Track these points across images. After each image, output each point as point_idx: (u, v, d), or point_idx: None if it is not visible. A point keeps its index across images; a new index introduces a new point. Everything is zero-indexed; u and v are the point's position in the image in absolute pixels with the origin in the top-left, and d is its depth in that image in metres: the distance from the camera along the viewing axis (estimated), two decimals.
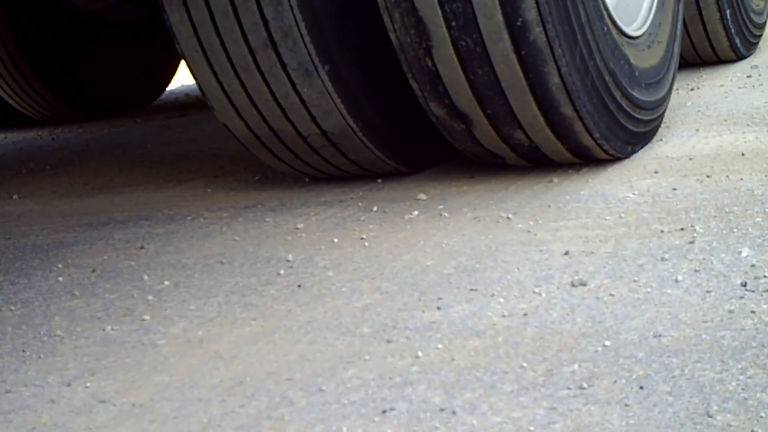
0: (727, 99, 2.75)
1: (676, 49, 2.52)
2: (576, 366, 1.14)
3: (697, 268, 1.41)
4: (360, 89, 2.08)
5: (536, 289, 1.41)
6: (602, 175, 2.02)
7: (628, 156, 2.15)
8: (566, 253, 1.56)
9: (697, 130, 2.37)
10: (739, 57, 3.53)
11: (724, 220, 1.61)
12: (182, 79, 5.24)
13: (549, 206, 1.80)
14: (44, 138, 4.12)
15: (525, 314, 1.32)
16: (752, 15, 3.59)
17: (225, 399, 1.17)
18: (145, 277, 1.72)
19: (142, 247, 1.94)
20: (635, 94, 2.15)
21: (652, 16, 2.37)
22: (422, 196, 2.05)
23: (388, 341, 1.29)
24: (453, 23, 1.88)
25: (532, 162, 2.11)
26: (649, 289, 1.36)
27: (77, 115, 4.42)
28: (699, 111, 2.63)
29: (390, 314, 1.39)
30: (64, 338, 1.45)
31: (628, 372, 1.11)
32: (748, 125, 2.33)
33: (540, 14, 1.85)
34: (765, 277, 1.34)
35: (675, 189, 1.84)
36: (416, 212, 1.93)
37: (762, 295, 1.28)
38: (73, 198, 2.63)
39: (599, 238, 1.62)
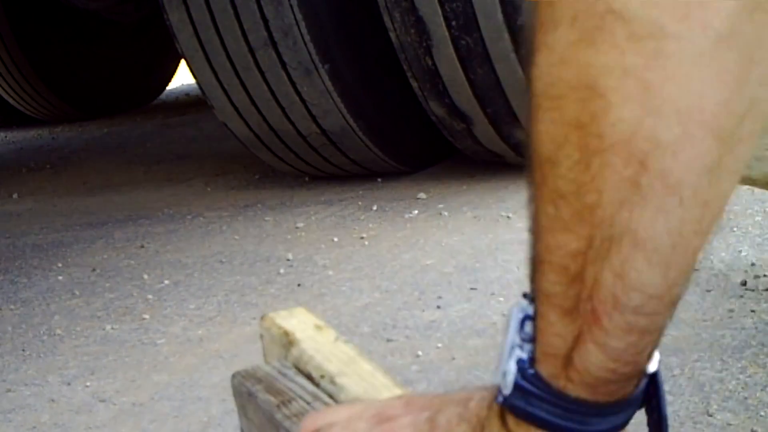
0: None
1: None
2: None
3: (697, 267, 1.41)
4: (360, 88, 2.08)
5: None
6: None
7: None
8: None
9: None
10: None
11: (723, 219, 1.61)
12: (182, 78, 5.24)
13: None
14: (44, 137, 4.12)
15: None
16: None
17: (225, 398, 1.17)
18: (145, 276, 1.72)
19: (142, 246, 1.94)
20: None
21: None
22: (422, 195, 2.04)
23: (388, 340, 1.29)
24: (453, 23, 1.88)
25: None
26: None
27: (77, 114, 4.42)
28: None
29: (390, 313, 1.39)
30: (63, 337, 1.45)
31: None
32: None
33: None
34: (765, 276, 1.34)
35: None
36: (416, 211, 1.93)
37: (762, 294, 1.28)
38: (72, 197, 2.62)
39: None
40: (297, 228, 1.93)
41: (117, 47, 4.57)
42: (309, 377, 0.75)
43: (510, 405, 0.50)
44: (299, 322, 0.81)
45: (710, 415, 0.98)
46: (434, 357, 1.22)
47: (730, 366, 1.08)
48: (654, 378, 0.50)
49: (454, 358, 1.20)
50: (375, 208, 2.00)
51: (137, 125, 4.10)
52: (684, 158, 0.41)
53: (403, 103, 2.15)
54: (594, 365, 0.47)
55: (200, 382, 1.22)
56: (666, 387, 1.08)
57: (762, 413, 0.97)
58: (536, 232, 0.47)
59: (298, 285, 1.57)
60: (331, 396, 0.71)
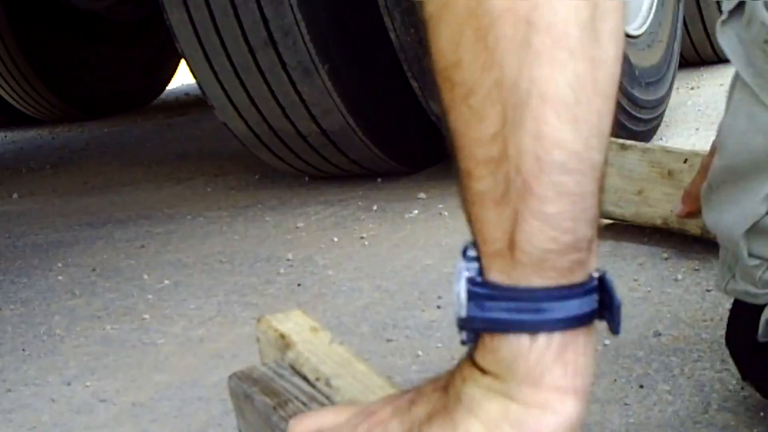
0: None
1: (677, 48, 2.52)
2: None
3: (697, 267, 1.41)
4: (360, 88, 2.08)
5: None
6: None
7: None
8: None
9: (697, 129, 2.37)
10: None
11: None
12: (182, 78, 5.24)
13: None
14: (44, 137, 4.12)
15: None
16: None
17: (225, 398, 1.17)
18: (145, 276, 1.72)
19: (142, 246, 1.94)
20: (635, 93, 2.15)
21: (652, 15, 2.37)
22: (422, 195, 2.05)
23: (388, 340, 1.29)
24: None
25: None
26: (649, 288, 1.36)
27: (77, 114, 4.41)
28: (699, 110, 2.63)
29: (390, 313, 1.39)
30: (64, 337, 1.45)
31: (627, 371, 1.11)
32: None
33: None
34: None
35: None
36: (416, 211, 1.93)
37: None
38: (73, 197, 2.63)
39: (599, 237, 1.62)
40: (297, 228, 1.93)
41: (117, 47, 4.57)
42: (305, 379, 0.75)
43: (468, 321, 0.54)
44: (295, 325, 0.81)
45: (710, 415, 0.98)
46: (434, 357, 1.22)
47: (730, 366, 1.08)
48: (602, 280, 0.55)
49: (454, 358, 1.20)
50: (375, 208, 2.00)
51: (137, 125, 4.10)
52: (562, 11, 0.48)
53: (403, 103, 2.15)
54: (536, 237, 0.51)
55: (200, 382, 1.23)
56: (666, 387, 1.08)
57: (762, 413, 0.97)
58: (456, 145, 0.55)
59: (298, 285, 1.57)
60: (327, 397, 0.71)
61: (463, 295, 0.53)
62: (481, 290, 0.53)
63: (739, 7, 0.86)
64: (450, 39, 0.51)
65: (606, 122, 0.51)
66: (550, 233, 0.51)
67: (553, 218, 0.51)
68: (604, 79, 0.51)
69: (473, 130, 0.52)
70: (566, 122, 0.49)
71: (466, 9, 0.49)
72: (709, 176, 0.93)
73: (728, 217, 0.89)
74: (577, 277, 0.53)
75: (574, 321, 0.54)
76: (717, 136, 0.92)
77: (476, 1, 0.49)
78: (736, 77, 0.88)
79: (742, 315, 0.92)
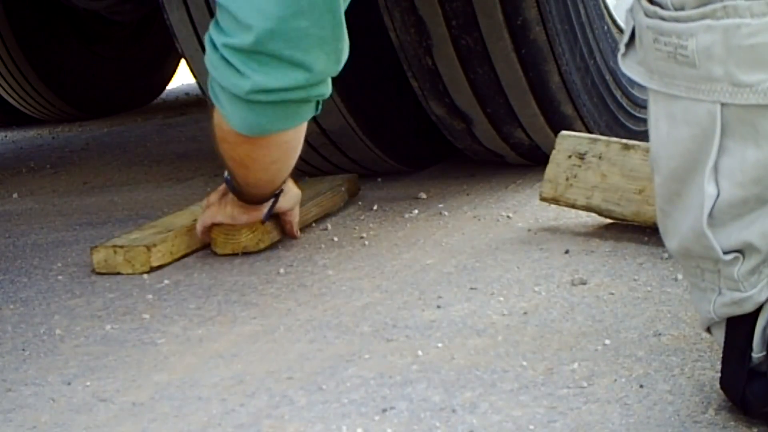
0: None
1: None
2: (576, 365, 1.14)
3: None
4: (360, 88, 2.08)
5: (536, 288, 1.41)
6: None
7: None
8: (566, 252, 1.56)
9: None
10: None
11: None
12: (182, 78, 5.23)
13: (549, 205, 1.80)
14: (44, 137, 4.12)
15: (525, 313, 1.32)
16: None
17: (225, 398, 1.17)
18: (145, 276, 1.72)
19: None
20: (635, 92, 2.16)
21: None
22: (422, 195, 2.05)
23: (388, 340, 1.29)
24: (453, 22, 1.88)
25: (532, 161, 2.11)
26: (648, 288, 1.36)
27: (77, 113, 4.40)
28: None
29: (390, 313, 1.39)
30: (64, 337, 1.45)
31: (628, 371, 1.11)
32: None
33: (540, 13, 1.85)
34: None
35: None
36: (416, 211, 1.93)
37: None
38: (73, 197, 2.62)
39: (599, 237, 1.62)
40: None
41: (117, 47, 4.56)
42: None
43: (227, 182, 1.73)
44: None
45: (710, 415, 0.98)
46: (434, 357, 1.22)
47: None
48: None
49: (454, 358, 1.21)
50: (375, 207, 2.00)
51: (137, 125, 4.10)
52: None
53: (403, 103, 2.15)
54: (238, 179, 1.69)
55: (200, 381, 1.23)
56: (666, 387, 1.08)
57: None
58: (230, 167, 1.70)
59: (298, 285, 1.57)
60: None
61: (227, 176, 1.73)
62: (230, 179, 1.71)
63: (632, 38, 0.91)
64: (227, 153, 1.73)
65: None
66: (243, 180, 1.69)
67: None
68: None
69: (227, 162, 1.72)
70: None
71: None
72: (657, 204, 0.94)
73: (687, 223, 0.89)
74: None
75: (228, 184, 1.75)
76: (650, 164, 0.94)
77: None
78: (648, 100, 0.91)
79: (733, 348, 0.93)
